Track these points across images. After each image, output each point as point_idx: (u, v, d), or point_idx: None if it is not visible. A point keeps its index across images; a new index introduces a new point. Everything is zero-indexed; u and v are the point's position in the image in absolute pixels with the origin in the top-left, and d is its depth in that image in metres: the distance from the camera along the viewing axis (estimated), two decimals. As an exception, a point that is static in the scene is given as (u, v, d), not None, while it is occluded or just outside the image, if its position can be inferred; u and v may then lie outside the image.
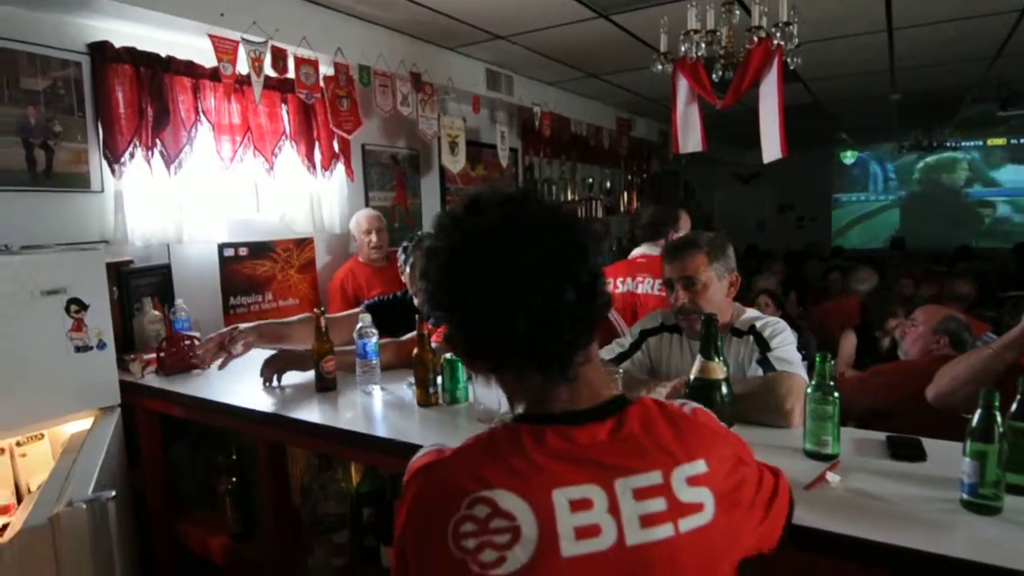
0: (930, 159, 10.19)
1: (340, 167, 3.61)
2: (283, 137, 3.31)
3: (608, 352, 1.88)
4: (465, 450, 0.81)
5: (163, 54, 2.76)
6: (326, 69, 3.34)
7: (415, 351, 1.78)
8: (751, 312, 1.80)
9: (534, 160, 5.69)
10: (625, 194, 7.28)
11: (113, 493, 1.62)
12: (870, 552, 1.04)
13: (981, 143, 10.15)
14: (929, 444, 1.37)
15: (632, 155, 7.02)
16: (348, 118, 3.46)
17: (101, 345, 2.05)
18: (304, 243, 3.61)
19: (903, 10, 3.59)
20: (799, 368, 1.57)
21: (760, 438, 1.49)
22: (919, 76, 5.33)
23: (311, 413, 1.83)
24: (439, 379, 1.79)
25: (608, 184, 7.04)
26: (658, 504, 0.74)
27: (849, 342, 3.76)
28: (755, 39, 2.37)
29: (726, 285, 1.75)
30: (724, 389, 1.26)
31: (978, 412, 1.08)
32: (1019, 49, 4.49)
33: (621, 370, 1.54)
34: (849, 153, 11.03)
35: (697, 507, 0.75)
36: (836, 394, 1.30)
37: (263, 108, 3.20)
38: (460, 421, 1.72)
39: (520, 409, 0.84)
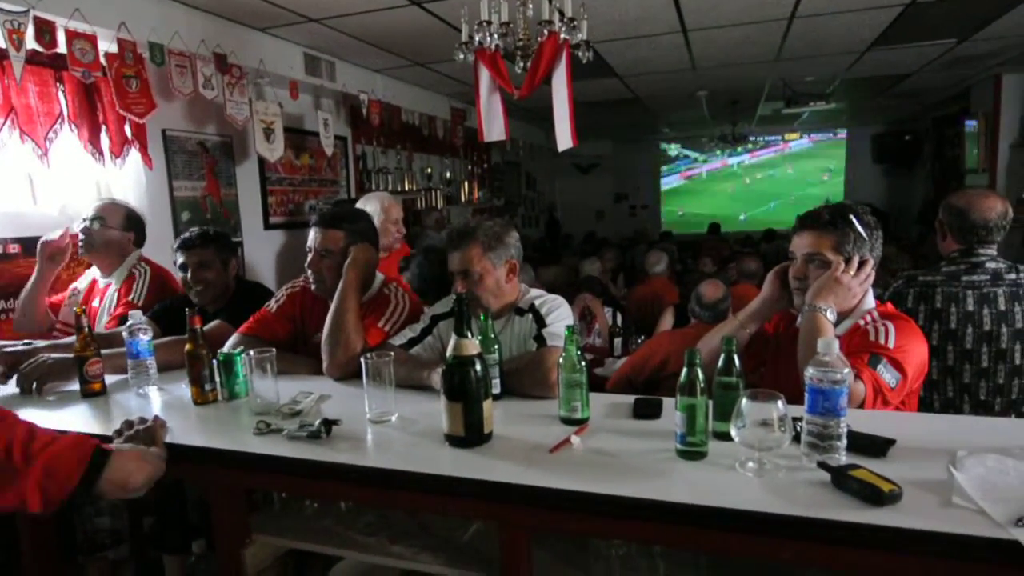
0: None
1: (135, 154, 3.30)
2: (59, 120, 2.96)
3: (400, 337, 1.89)
4: None
5: None
6: (108, 46, 3.02)
7: (187, 347, 1.67)
8: (534, 292, 1.89)
9: (366, 149, 5.58)
10: (466, 184, 7.36)
11: None
12: (596, 504, 1.14)
13: (780, 137, 11.46)
14: (669, 402, 1.51)
15: (471, 145, 7.10)
16: (139, 100, 3.16)
17: None
18: (94, 238, 3.25)
19: (692, 13, 3.94)
20: (567, 342, 1.67)
21: (528, 409, 1.58)
22: (718, 75, 5.89)
23: (73, 422, 1.66)
24: (216, 375, 1.71)
25: (448, 174, 7.07)
26: None
27: (666, 319, 4.12)
28: (545, 32, 2.48)
29: (504, 272, 1.82)
30: (478, 365, 1.31)
31: (684, 370, 1.21)
32: (793, 54, 5.11)
33: (391, 354, 1.55)
34: (673, 145, 11.97)
35: None
36: (583, 363, 1.40)
37: (32, 87, 2.85)
38: (240, 418, 1.64)
39: None
